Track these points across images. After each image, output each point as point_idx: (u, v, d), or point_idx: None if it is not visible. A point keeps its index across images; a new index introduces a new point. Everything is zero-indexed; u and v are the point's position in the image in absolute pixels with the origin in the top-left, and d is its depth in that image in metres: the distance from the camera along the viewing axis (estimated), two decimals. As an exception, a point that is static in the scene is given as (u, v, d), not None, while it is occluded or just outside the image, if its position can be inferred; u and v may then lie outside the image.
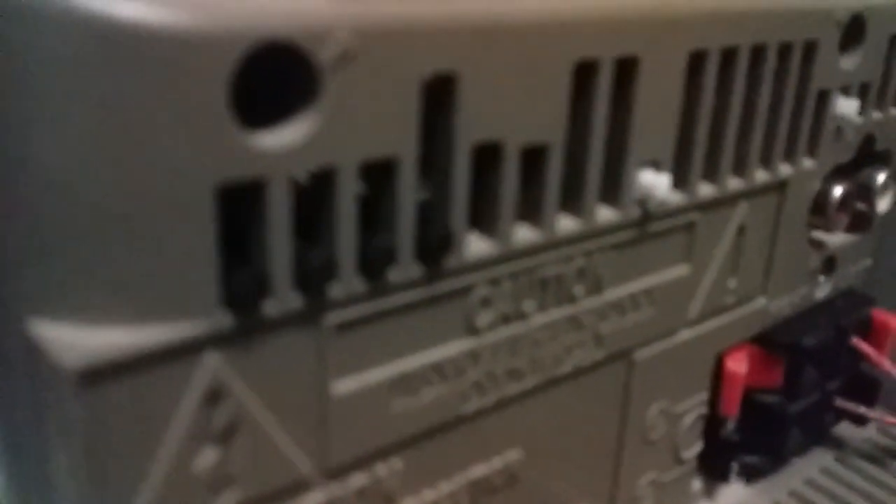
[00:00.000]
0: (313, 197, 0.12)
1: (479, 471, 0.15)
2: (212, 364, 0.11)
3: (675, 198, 0.17)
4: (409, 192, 0.12)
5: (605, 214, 0.16)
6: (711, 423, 0.21)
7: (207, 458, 0.11)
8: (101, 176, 0.10)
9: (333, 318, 0.12)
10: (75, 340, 0.10)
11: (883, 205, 0.23)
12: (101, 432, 0.10)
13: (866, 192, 0.22)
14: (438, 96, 0.12)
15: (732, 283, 0.19)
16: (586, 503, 0.18)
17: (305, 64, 0.11)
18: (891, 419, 0.23)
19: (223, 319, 0.11)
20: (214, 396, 0.11)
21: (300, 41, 0.10)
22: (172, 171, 0.10)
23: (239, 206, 0.11)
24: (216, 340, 0.11)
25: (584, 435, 0.17)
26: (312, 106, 0.11)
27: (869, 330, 0.23)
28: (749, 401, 0.21)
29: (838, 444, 0.25)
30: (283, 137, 0.11)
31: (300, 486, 0.13)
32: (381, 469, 0.14)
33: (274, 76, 0.11)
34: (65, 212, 0.10)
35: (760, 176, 0.19)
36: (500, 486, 0.16)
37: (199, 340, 0.11)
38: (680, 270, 0.18)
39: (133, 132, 0.10)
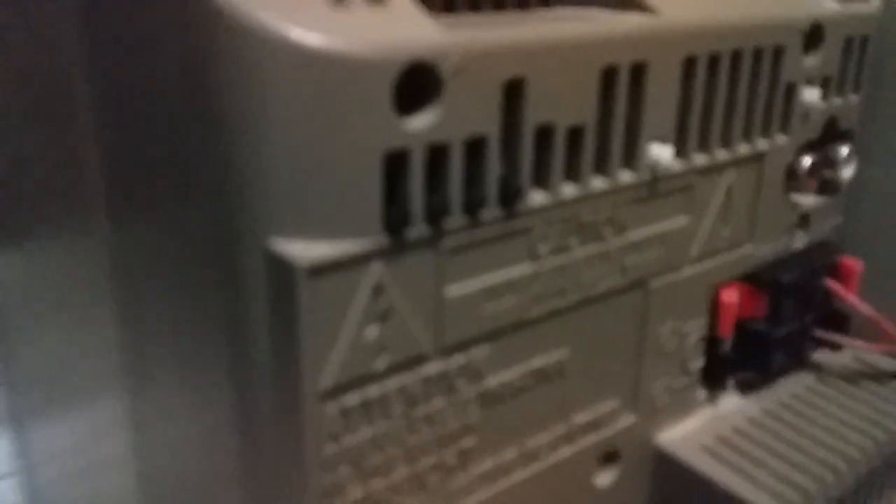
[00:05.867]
0: (434, 163, 0.18)
1: (538, 362, 0.21)
2: (376, 269, 0.17)
3: (677, 165, 0.23)
4: (494, 159, 0.18)
5: (625, 176, 0.21)
6: (711, 345, 0.27)
7: (372, 332, 0.17)
8: (313, 152, 0.16)
9: (447, 243, 0.18)
10: (302, 251, 0.16)
11: (847, 173, 0.28)
12: (315, 311, 0.16)
13: (832, 163, 0.28)
14: (513, 93, 0.18)
15: (725, 232, 0.25)
16: (616, 398, 0.24)
17: (433, 74, 0.17)
18: (860, 344, 0.29)
19: (384, 240, 0.17)
20: (377, 291, 0.17)
21: (431, 59, 0.16)
22: (357, 146, 0.16)
23: (392, 167, 0.17)
24: (379, 254, 0.17)
25: (614, 344, 0.23)
26: (437, 101, 0.17)
27: (838, 273, 0.29)
28: (741, 329, 0.27)
29: (819, 368, 0.30)
30: (421, 121, 0.17)
31: (423, 359, 0.19)
32: (475, 353, 0.20)
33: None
34: (295, 176, 0.16)
35: (743, 149, 0.25)
36: (553, 376, 0.22)
37: (370, 253, 0.17)
38: (682, 220, 0.24)
39: (333, 123, 0.16)
